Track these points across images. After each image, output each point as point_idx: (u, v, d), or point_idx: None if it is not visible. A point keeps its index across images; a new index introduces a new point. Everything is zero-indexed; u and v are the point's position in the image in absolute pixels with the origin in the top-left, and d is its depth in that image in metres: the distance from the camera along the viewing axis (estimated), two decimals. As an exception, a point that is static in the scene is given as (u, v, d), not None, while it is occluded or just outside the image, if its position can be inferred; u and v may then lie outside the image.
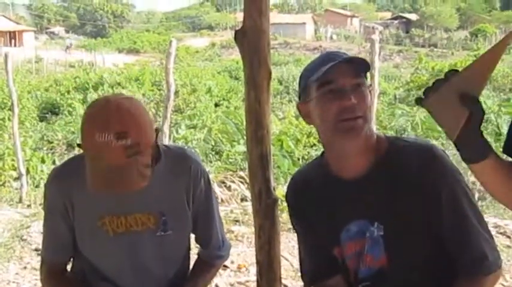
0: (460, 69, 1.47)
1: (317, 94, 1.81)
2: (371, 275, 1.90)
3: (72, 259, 2.25)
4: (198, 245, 2.35)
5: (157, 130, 2.07)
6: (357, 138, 1.78)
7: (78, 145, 2.00)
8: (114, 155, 1.88)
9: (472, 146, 1.51)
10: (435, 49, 47.18)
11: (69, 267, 2.28)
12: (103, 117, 1.91)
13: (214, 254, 2.32)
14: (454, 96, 1.45)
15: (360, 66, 1.81)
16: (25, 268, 5.60)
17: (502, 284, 4.31)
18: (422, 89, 1.50)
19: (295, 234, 2.19)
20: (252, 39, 2.60)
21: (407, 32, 59.19)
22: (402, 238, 1.84)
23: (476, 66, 1.46)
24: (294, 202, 2.09)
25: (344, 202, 1.90)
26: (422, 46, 50.01)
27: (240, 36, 2.62)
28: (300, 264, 2.13)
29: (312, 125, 1.96)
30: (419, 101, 1.51)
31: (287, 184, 2.13)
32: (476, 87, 1.46)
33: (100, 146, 1.88)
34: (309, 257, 2.07)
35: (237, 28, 2.62)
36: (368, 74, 1.89)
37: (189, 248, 2.29)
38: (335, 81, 1.77)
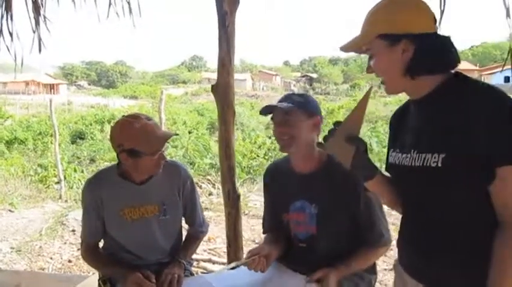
0: (342, 120, 1.41)
1: (272, 123, 1.93)
2: (306, 238, 1.93)
3: (102, 239, 2.16)
4: (187, 226, 2.29)
5: None
6: (289, 151, 1.90)
7: (131, 153, 1.92)
8: (162, 146, 1.95)
9: (362, 169, 1.45)
10: (328, 96, 47.79)
11: (100, 245, 2.20)
12: (152, 123, 1.93)
13: (198, 230, 2.27)
14: (342, 138, 1.39)
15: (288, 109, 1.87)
16: (65, 243, 5.40)
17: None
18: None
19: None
20: (222, 91, 2.59)
21: (311, 85, 59.84)
22: (328, 217, 1.88)
23: (352, 115, 1.40)
24: (268, 181, 2.13)
25: (295, 187, 1.95)
26: (321, 94, 50.52)
27: (215, 89, 2.60)
28: (263, 219, 2.20)
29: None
30: (321, 145, 1.45)
31: (265, 169, 2.19)
32: (356, 129, 1.41)
33: (160, 139, 1.93)
34: (268, 215, 2.14)
35: (212, 83, 2.60)
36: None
37: (181, 228, 2.24)
38: (275, 117, 1.89)
